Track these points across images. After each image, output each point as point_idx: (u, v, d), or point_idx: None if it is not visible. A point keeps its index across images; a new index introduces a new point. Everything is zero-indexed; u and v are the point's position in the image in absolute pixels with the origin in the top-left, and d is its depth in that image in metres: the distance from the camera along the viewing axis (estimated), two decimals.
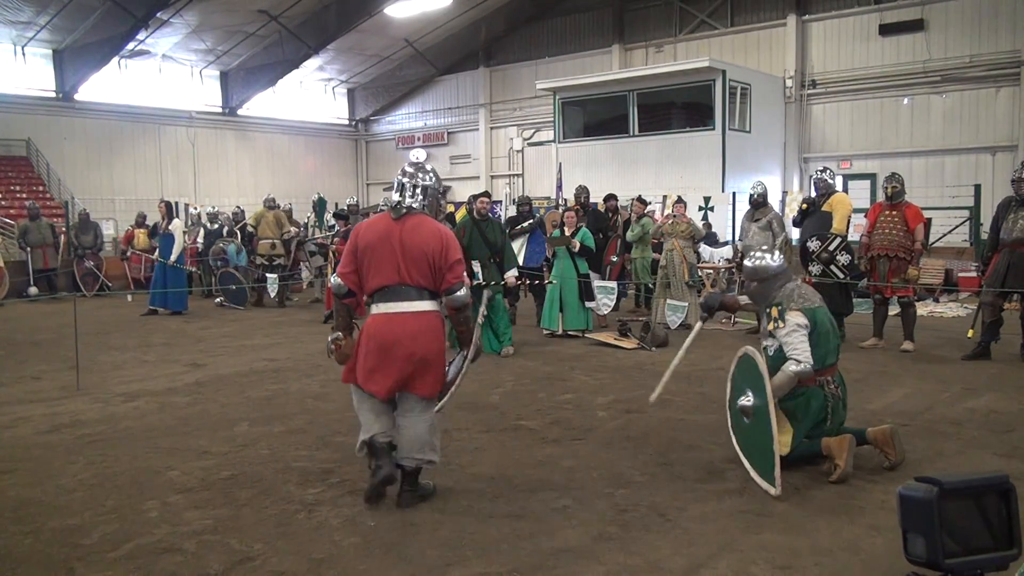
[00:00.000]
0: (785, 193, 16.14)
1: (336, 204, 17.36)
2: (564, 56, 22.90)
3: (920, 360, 7.69)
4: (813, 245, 8.44)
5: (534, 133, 23.86)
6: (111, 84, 22.38)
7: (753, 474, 4.17)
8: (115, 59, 21.40)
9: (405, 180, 4.02)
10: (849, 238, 8.52)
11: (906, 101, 17.51)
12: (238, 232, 14.54)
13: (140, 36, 20.57)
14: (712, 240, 14.42)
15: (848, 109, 18.33)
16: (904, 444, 4.44)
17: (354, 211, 12.31)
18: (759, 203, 9.29)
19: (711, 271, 12.19)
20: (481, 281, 8.15)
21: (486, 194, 9.17)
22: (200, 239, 15.05)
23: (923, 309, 10.92)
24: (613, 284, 9.99)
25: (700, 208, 15.17)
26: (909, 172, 14.87)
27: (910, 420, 5.43)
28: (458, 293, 4.01)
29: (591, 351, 8.48)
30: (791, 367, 4.22)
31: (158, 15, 19.72)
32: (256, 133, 25.89)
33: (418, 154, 26.34)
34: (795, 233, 9.73)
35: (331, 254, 11.97)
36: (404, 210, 3.98)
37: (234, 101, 25.07)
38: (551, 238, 9.74)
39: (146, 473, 4.52)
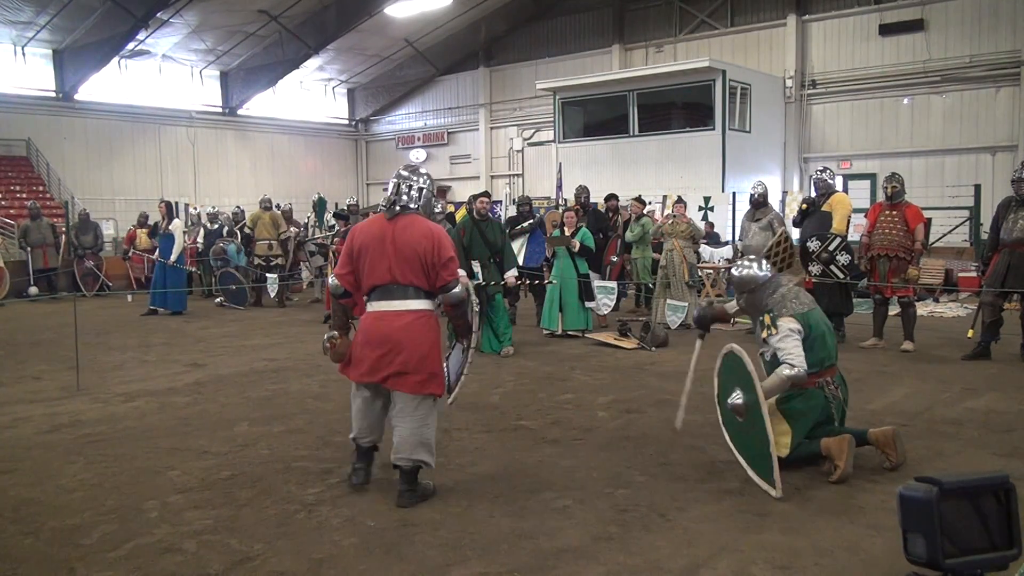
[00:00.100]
0: (785, 193, 16.13)
1: (336, 204, 17.38)
2: (564, 56, 22.91)
3: (920, 360, 7.69)
4: (813, 245, 8.44)
5: (534, 133, 23.86)
6: (111, 84, 22.39)
7: (751, 473, 4.18)
8: (115, 59, 21.40)
9: (400, 181, 4.10)
10: (849, 238, 8.53)
11: (906, 101, 17.51)
12: (238, 232, 14.55)
13: (140, 36, 20.59)
14: (714, 240, 14.44)
15: (848, 109, 18.33)
16: (904, 444, 4.44)
17: (354, 211, 12.30)
18: (759, 203, 9.30)
19: (711, 271, 12.20)
20: (481, 281, 8.15)
21: (486, 194, 9.15)
22: (200, 239, 15.09)
23: (923, 309, 10.92)
24: (613, 284, 9.98)
25: (700, 208, 15.15)
26: (909, 172, 14.87)
27: (910, 420, 5.43)
28: (454, 290, 4.06)
29: (591, 351, 8.48)
30: (784, 371, 4.24)
31: (158, 15, 19.74)
32: (256, 133, 25.89)
33: (418, 155, 26.41)
34: (795, 233, 9.72)
35: (331, 254, 11.99)
36: (398, 209, 4.04)
37: (234, 101, 25.08)
38: (551, 238, 9.74)
39: (146, 473, 4.52)
